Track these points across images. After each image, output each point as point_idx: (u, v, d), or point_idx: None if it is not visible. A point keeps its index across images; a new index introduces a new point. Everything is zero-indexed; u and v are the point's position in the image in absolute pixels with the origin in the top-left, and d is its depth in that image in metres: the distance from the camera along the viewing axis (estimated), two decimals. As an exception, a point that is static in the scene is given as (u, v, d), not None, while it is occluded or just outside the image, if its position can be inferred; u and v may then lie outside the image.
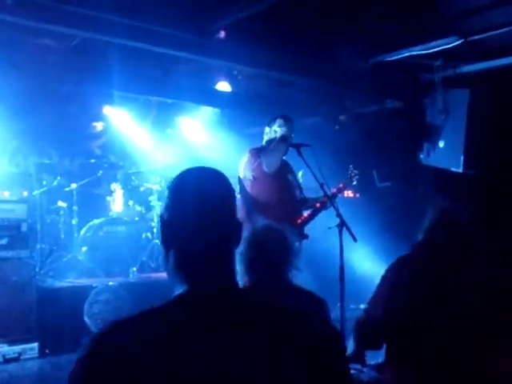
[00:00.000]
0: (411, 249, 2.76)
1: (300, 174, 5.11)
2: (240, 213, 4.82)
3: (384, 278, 2.69)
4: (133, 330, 1.23)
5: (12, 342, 5.07)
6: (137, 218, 7.21)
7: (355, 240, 4.16)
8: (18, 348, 5.02)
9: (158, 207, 7.42)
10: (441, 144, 5.72)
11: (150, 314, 1.27)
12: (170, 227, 1.37)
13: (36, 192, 6.88)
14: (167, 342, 1.19)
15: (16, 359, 4.96)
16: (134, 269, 6.40)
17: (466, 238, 2.63)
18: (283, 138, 4.76)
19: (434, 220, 2.71)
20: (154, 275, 6.74)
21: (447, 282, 2.52)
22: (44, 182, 7.27)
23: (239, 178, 4.92)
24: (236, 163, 5.05)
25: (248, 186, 4.84)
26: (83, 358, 1.21)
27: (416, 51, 5.41)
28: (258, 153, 4.82)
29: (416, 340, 2.48)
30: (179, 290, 1.32)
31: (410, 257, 2.73)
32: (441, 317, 2.46)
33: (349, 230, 4.16)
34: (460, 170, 5.43)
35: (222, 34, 5.40)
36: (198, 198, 1.34)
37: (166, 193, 1.41)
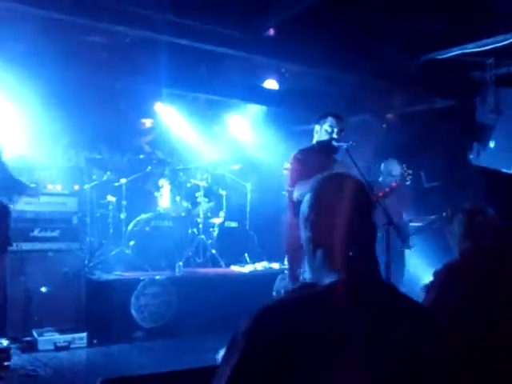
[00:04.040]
0: (460, 255, 2.72)
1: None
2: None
3: (433, 284, 2.66)
4: (294, 308, 1.35)
5: (62, 331, 5.24)
6: (183, 214, 7.32)
7: (403, 241, 4.10)
8: (68, 337, 5.17)
9: (204, 203, 7.52)
10: (491, 144, 5.59)
11: (307, 297, 1.41)
12: (323, 228, 1.51)
13: (87, 186, 7.06)
14: (328, 321, 1.32)
15: (66, 348, 5.12)
16: (181, 263, 6.46)
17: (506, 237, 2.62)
18: None
19: (471, 224, 2.68)
20: (200, 270, 6.80)
21: (502, 288, 2.50)
22: (94, 177, 7.47)
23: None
24: (282, 161, 5.04)
25: None
26: (249, 327, 1.31)
27: (468, 49, 5.28)
28: (298, 172, 4.44)
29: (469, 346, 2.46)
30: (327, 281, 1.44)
31: (459, 263, 2.69)
32: (496, 322, 2.43)
33: (397, 229, 4.10)
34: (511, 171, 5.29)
35: (271, 31, 5.41)
36: (352, 204, 1.51)
37: (310, 196, 1.56)
